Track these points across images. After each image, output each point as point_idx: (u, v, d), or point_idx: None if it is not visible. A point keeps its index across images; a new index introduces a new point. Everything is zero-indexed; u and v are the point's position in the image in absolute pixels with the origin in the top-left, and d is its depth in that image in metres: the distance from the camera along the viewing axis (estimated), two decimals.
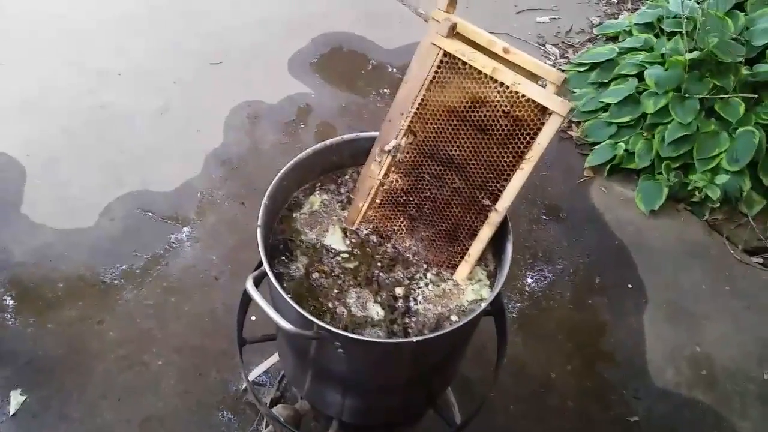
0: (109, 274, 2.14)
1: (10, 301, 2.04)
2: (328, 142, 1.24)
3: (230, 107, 2.78)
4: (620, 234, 2.45)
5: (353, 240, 1.20)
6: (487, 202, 1.08)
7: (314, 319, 0.95)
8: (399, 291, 1.14)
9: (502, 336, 1.34)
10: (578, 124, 2.86)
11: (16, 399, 1.82)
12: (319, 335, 0.97)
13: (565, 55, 3.26)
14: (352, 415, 1.30)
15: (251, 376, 1.79)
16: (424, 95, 1.09)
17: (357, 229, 1.21)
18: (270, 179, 1.16)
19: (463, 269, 1.14)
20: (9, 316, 2.01)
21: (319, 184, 1.29)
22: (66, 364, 1.91)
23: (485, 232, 1.09)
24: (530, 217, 2.47)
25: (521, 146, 1.02)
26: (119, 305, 2.06)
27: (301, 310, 0.95)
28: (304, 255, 1.18)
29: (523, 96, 0.99)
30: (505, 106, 1.01)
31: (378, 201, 1.19)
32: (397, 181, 1.17)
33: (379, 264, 1.18)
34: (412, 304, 1.13)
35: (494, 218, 1.07)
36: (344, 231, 1.21)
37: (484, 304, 1.06)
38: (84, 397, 1.85)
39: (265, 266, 1.02)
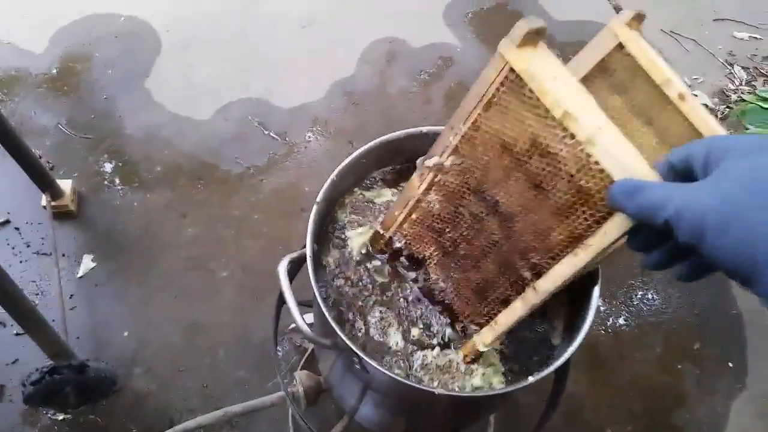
0: (206, 172, 2.15)
1: (108, 167, 2.10)
2: (424, 128, 1.08)
3: (371, 39, 2.65)
4: (741, 303, 2.14)
5: (384, 247, 1.03)
6: (526, 274, 0.85)
7: (339, 332, 0.83)
8: (414, 333, 0.98)
9: (560, 387, 1.17)
10: None
11: (86, 264, 1.89)
12: (336, 346, 0.86)
13: (753, 82, 2.83)
14: (364, 420, 1.21)
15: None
16: (479, 115, 0.83)
17: (391, 237, 1.06)
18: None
19: (487, 335, 0.92)
20: (104, 182, 2.07)
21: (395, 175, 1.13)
22: (138, 246, 1.96)
23: (518, 307, 0.85)
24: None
25: (579, 227, 0.74)
26: (205, 206, 2.07)
27: (330, 320, 0.84)
28: (336, 249, 1.04)
29: (597, 163, 0.67)
30: (571, 168, 0.71)
31: (413, 217, 0.99)
32: (434, 204, 0.96)
33: (408, 289, 1.02)
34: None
35: (530, 296, 0.83)
36: (376, 235, 1.03)
37: (531, 379, 0.87)
38: (145, 282, 1.89)
39: (308, 250, 0.90)
